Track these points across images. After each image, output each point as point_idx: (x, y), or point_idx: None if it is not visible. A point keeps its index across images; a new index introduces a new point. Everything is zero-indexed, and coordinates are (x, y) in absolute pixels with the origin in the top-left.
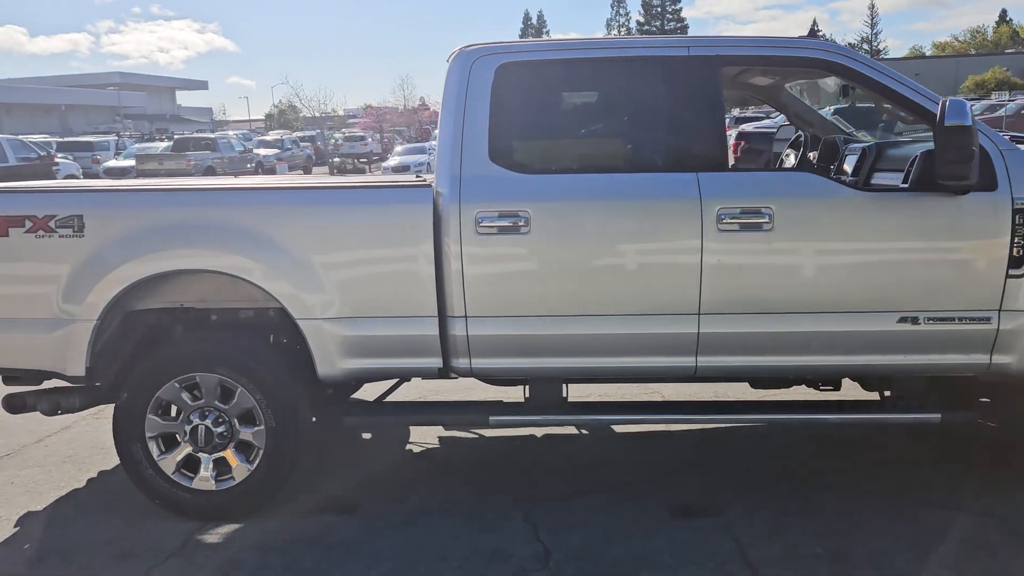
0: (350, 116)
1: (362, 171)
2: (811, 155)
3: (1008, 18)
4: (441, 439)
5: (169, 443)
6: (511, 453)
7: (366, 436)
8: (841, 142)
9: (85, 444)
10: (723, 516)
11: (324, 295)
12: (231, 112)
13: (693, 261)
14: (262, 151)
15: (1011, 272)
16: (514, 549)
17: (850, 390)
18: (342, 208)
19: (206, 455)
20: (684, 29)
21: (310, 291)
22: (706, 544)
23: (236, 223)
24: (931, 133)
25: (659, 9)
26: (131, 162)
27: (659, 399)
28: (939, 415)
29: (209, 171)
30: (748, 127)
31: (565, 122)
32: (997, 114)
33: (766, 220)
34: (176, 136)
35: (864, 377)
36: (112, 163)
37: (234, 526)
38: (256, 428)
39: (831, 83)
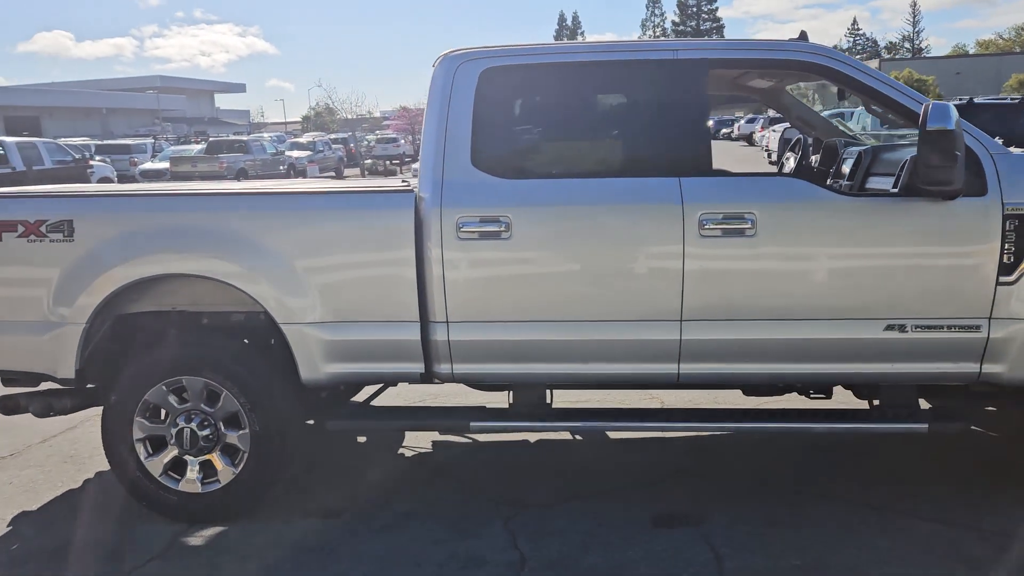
0: (385, 118)
1: (393, 173)
2: (814, 159)
3: None
4: (435, 443)
5: (157, 445)
6: (503, 458)
7: (361, 440)
8: (841, 145)
9: (87, 445)
10: (705, 525)
11: (307, 299)
12: (269, 115)
13: (675, 267)
14: (294, 153)
15: (1001, 279)
16: (490, 556)
17: (846, 398)
18: (324, 213)
19: (192, 458)
20: (720, 29)
21: (293, 295)
22: (683, 554)
23: (220, 228)
24: None
25: (695, 9)
26: (166, 164)
27: (658, 405)
28: (926, 425)
29: (241, 173)
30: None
31: (549, 127)
32: None
33: (748, 226)
34: (210, 139)
35: (855, 385)
36: (148, 165)
37: (218, 529)
38: (241, 432)
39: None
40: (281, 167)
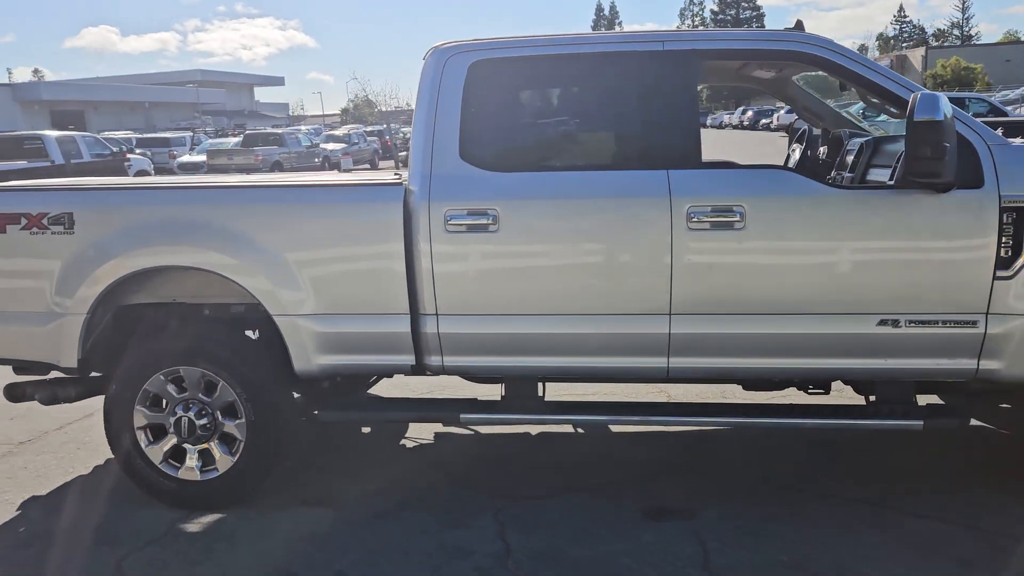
0: None
1: None
2: (822, 150)
3: None
4: (437, 435)
5: (158, 434)
6: (502, 451)
7: (365, 431)
8: (846, 136)
9: (100, 432)
10: (696, 520)
11: (299, 292)
12: (309, 107)
13: (663, 260)
14: (329, 146)
15: (998, 274)
16: (477, 547)
17: (848, 394)
18: (316, 207)
19: (191, 446)
20: (760, 18)
21: (286, 288)
22: (670, 548)
23: (215, 221)
24: None
25: None
26: (203, 157)
27: (665, 399)
28: (921, 422)
29: (276, 166)
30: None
31: (537, 119)
32: None
33: (737, 219)
34: (246, 132)
35: (851, 381)
36: (185, 158)
37: (216, 516)
38: (238, 421)
39: None
40: (316, 159)
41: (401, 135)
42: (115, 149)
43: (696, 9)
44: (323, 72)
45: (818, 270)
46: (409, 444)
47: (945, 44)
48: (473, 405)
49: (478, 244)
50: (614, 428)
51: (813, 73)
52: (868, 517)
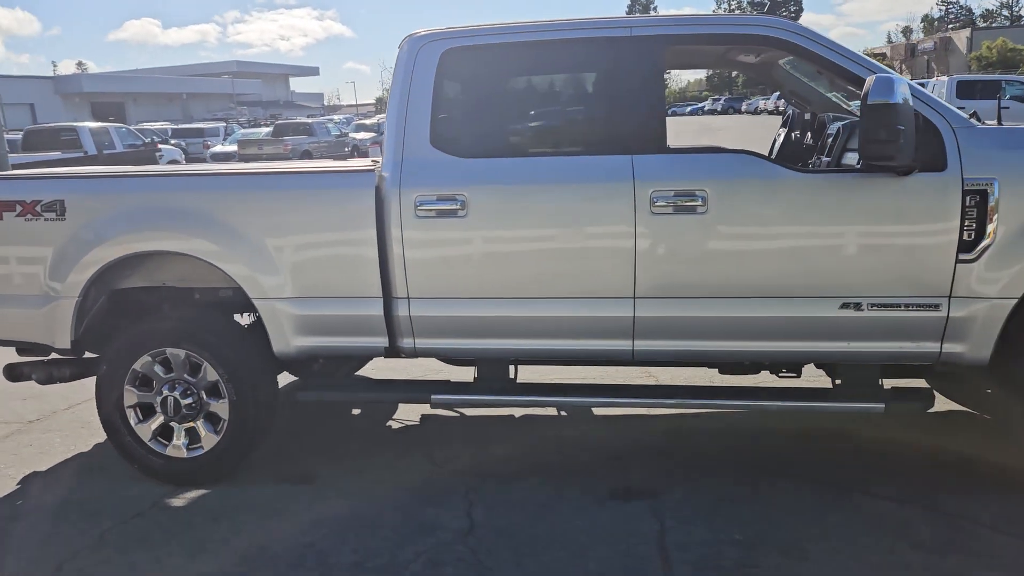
0: None
1: None
2: (808, 134)
3: None
4: (424, 416)
5: (147, 412)
6: (485, 432)
7: (356, 412)
8: (829, 120)
9: None
10: (659, 500)
11: (278, 277)
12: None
13: (626, 245)
14: (358, 135)
15: (961, 257)
16: (443, 523)
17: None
18: (291, 193)
19: (177, 425)
20: (798, 13)
21: (265, 273)
22: (628, 526)
23: (197, 208)
24: None
25: None
26: (234, 147)
27: (652, 381)
28: (883, 405)
29: (306, 155)
30: None
31: (507, 106)
32: None
33: (700, 203)
34: (276, 122)
35: (820, 364)
36: (218, 148)
37: (200, 491)
38: (222, 400)
39: None
40: (345, 148)
41: None
42: (147, 140)
43: None
44: (359, 62)
45: (780, 254)
46: (395, 426)
47: (993, 25)
48: (445, 386)
49: (447, 229)
50: (597, 411)
51: None
52: (833, 499)
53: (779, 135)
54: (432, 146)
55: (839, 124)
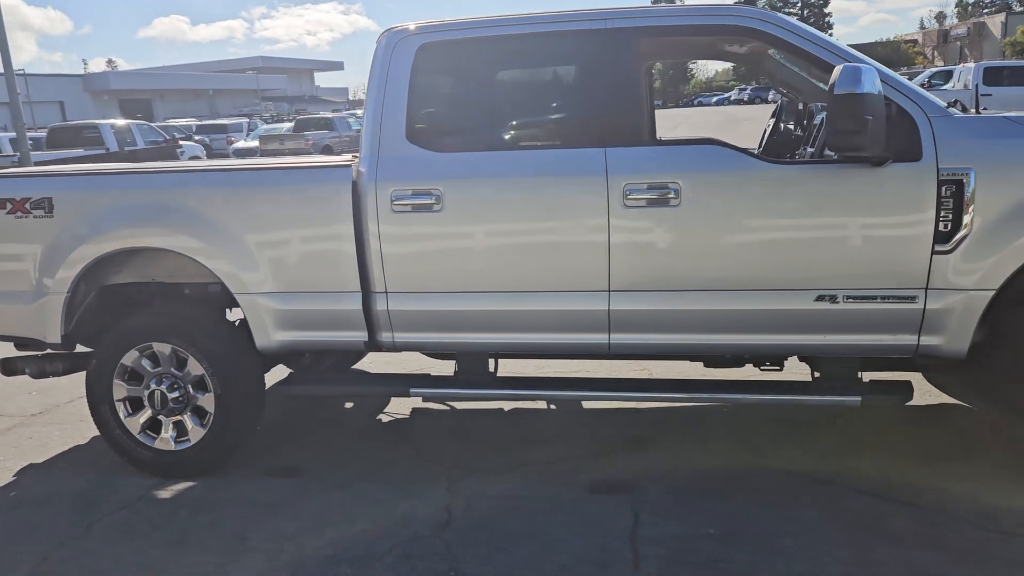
0: None
1: None
2: (798, 124)
3: None
4: (414, 411)
5: (136, 406)
6: (471, 426)
7: (348, 406)
8: (817, 110)
9: None
10: (638, 494)
11: (258, 272)
12: None
13: (600, 239)
14: None
15: (937, 248)
16: (421, 516)
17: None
18: (270, 188)
19: (165, 418)
20: (824, 7)
21: (246, 268)
22: (603, 520)
23: (180, 204)
24: None
25: None
26: (256, 143)
27: (647, 375)
28: (859, 398)
29: (326, 150)
30: None
31: (481, 100)
32: None
33: (672, 196)
34: (297, 117)
35: (801, 357)
36: (240, 144)
37: (187, 484)
38: (207, 394)
39: None
40: None
41: None
42: (167, 137)
43: None
44: None
45: (753, 246)
46: (385, 419)
47: None
48: (425, 380)
49: (422, 224)
50: (586, 405)
51: None
52: (812, 493)
53: (768, 126)
54: (408, 141)
55: (824, 114)
